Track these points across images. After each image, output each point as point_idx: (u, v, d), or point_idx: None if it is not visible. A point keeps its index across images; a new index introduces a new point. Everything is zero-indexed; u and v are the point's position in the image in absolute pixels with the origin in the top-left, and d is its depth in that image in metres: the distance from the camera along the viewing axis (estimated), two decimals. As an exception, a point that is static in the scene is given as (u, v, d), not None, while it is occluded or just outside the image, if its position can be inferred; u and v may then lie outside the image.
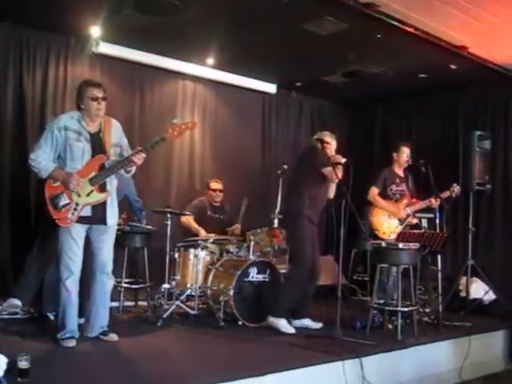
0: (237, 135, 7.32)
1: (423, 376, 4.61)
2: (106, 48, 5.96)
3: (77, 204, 3.90)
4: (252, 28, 5.38)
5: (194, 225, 5.98)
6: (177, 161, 6.78)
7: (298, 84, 7.52)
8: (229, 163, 7.09)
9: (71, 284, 3.96)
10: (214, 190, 6.28)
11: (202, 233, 5.87)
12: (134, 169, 4.09)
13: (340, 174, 4.80)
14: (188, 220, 6.02)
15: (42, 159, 3.88)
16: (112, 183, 4.08)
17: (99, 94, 3.95)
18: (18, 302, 4.55)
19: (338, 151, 5.13)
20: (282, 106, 7.79)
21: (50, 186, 3.92)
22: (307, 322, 4.97)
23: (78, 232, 3.96)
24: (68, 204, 3.89)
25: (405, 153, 5.83)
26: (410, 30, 5.10)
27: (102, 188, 3.97)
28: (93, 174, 3.93)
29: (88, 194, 3.91)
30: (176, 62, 6.51)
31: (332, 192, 5.05)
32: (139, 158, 3.93)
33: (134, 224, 5.59)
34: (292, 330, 4.76)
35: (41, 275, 4.66)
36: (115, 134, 4.09)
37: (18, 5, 5.02)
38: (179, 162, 6.82)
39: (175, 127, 4.01)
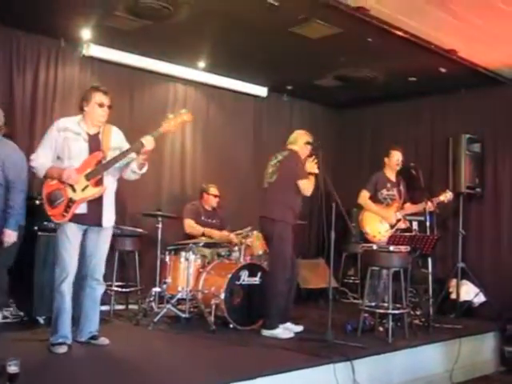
0: (228, 138, 7.32)
1: (414, 378, 4.63)
2: (97, 50, 5.94)
3: (71, 200, 3.90)
4: (243, 31, 5.38)
5: (199, 228, 5.97)
6: (168, 164, 6.77)
7: (290, 87, 7.53)
8: (220, 167, 7.09)
9: (66, 287, 3.93)
10: (215, 196, 6.26)
11: (208, 231, 5.87)
12: (146, 165, 4.10)
13: (312, 184, 4.87)
14: (190, 225, 5.99)
15: (41, 159, 3.96)
16: (111, 184, 4.09)
17: (106, 101, 4.06)
18: None
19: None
20: (273, 110, 7.79)
21: (47, 185, 3.98)
22: (289, 326, 4.95)
23: (74, 233, 3.96)
24: (62, 200, 3.91)
25: (395, 156, 5.85)
26: (400, 33, 5.13)
27: (98, 183, 3.98)
28: (88, 170, 3.95)
29: (83, 189, 3.92)
30: (167, 64, 6.50)
31: (309, 190, 4.94)
32: (149, 141, 3.93)
33: (124, 227, 5.58)
34: (291, 334, 4.77)
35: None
36: (115, 139, 4.14)
37: (7, 6, 4.98)
38: (170, 165, 6.80)
39: (170, 121, 4.07)
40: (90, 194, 3.94)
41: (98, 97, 4.04)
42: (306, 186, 4.87)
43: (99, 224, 4.03)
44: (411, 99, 7.35)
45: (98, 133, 4.08)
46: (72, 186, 3.91)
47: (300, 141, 5.09)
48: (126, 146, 4.13)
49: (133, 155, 4.03)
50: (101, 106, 4.03)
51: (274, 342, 4.55)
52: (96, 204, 3.99)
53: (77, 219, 3.95)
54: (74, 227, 3.96)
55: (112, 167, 4.01)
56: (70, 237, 3.94)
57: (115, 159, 3.98)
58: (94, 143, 4.02)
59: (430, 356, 4.87)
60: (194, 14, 4.99)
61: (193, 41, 5.70)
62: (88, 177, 3.92)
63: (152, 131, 4.05)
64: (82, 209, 3.94)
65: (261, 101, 7.61)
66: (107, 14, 5.07)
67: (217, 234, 5.96)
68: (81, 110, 4.09)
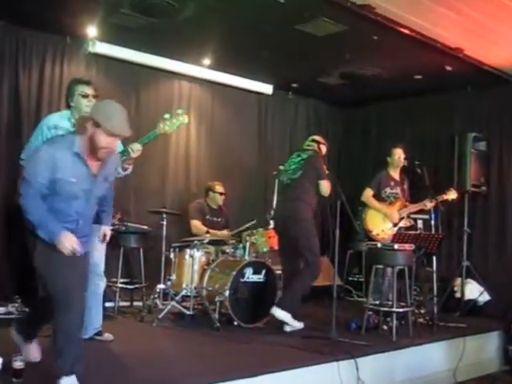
0: (233, 136, 7.32)
1: (418, 377, 4.63)
2: (102, 48, 5.94)
3: None
4: (248, 28, 5.37)
5: (204, 228, 5.99)
6: (173, 162, 6.77)
7: (295, 85, 7.52)
8: (225, 164, 7.09)
9: None
10: (221, 194, 6.27)
11: (213, 233, 5.90)
12: (131, 167, 4.05)
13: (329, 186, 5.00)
14: (197, 226, 6.01)
15: None
16: None
17: (89, 91, 3.95)
18: None
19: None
20: (278, 107, 7.79)
21: None
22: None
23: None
24: None
25: (396, 154, 5.88)
26: (406, 31, 5.11)
27: None
28: None
29: None
30: (172, 62, 6.50)
31: (328, 191, 5.06)
32: (135, 150, 3.89)
33: (129, 224, 5.60)
34: (301, 325, 4.82)
35: None
36: None
37: (13, 4, 4.99)
38: (175, 162, 6.80)
39: (166, 121, 4.02)
40: None
41: (81, 88, 3.94)
42: (326, 187, 4.99)
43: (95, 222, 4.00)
44: (417, 97, 7.33)
45: None
46: None
47: (320, 143, 5.25)
48: None
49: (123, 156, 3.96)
50: (85, 96, 3.92)
51: (278, 339, 4.55)
52: None
53: None
54: None
55: None
56: None
57: None
58: None
59: (434, 354, 4.87)
60: (199, 11, 4.98)
61: (198, 38, 5.70)
62: None
63: (146, 133, 4.02)
64: None
65: (266, 98, 7.60)
66: (113, 11, 5.07)
67: (221, 235, 5.97)
68: (68, 106, 4.01)
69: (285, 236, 5.17)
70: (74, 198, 3.01)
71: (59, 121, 3.93)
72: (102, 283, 4.16)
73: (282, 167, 5.94)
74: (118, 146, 4.03)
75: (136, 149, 3.90)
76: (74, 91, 3.95)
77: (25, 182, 2.95)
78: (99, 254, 4.08)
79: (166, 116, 4.03)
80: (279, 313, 4.77)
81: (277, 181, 6.01)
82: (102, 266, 4.13)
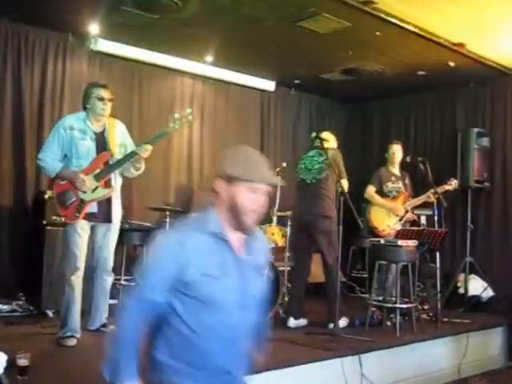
0: (235, 133, 7.30)
1: (422, 373, 4.63)
2: (105, 45, 5.93)
3: (82, 201, 3.97)
4: (251, 25, 5.36)
5: None
6: (175, 158, 6.76)
7: (297, 81, 7.51)
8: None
9: (75, 280, 3.98)
10: None
11: None
12: (143, 166, 4.16)
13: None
14: None
15: (50, 159, 3.99)
16: (117, 181, 4.16)
17: (105, 94, 4.08)
18: None
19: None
20: (280, 104, 7.78)
21: (58, 185, 4.03)
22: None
23: (83, 228, 4.02)
24: (74, 201, 3.97)
25: (391, 150, 5.90)
26: (409, 27, 5.10)
27: (107, 184, 4.05)
28: (97, 170, 4.01)
29: (93, 190, 3.98)
30: (175, 59, 6.48)
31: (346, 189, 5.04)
32: (146, 150, 3.99)
33: (132, 221, 5.61)
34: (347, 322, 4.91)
35: None
36: (119, 134, 4.18)
37: (15, 1, 5.00)
38: (178, 159, 6.79)
39: (176, 120, 4.11)
40: (101, 195, 4.01)
41: (97, 91, 4.07)
42: (346, 185, 4.97)
43: (109, 220, 4.11)
44: (420, 93, 7.32)
45: (104, 130, 4.12)
46: None
47: (334, 140, 5.29)
48: (128, 140, 4.22)
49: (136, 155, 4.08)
50: (100, 99, 4.05)
51: (281, 335, 4.54)
52: (105, 202, 4.07)
53: (87, 217, 4.02)
54: (85, 224, 4.02)
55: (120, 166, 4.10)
56: (81, 233, 4.01)
57: (121, 162, 4.05)
58: (101, 142, 4.07)
59: (438, 350, 4.86)
60: (201, 8, 4.97)
61: (200, 35, 5.68)
62: (97, 178, 3.98)
63: (157, 132, 4.14)
64: (92, 208, 4.02)
65: (268, 95, 7.59)
66: (115, 8, 5.06)
67: None
68: (84, 108, 4.14)
69: (306, 233, 5.06)
70: (218, 307, 1.95)
71: (75, 122, 4.05)
72: (109, 278, 4.24)
73: (284, 164, 5.93)
74: (126, 138, 4.22)
75: (147, 149, 4.00)
76: (90, 94, 4.08)
77: (136, 292, 1.96)
78: (110, 250, 4.17)
79: (176, 115, 4.12)
80: (339, 323, 4.71)
81: (280, 178, 5.99)
82: (111, 263, 4.21)
